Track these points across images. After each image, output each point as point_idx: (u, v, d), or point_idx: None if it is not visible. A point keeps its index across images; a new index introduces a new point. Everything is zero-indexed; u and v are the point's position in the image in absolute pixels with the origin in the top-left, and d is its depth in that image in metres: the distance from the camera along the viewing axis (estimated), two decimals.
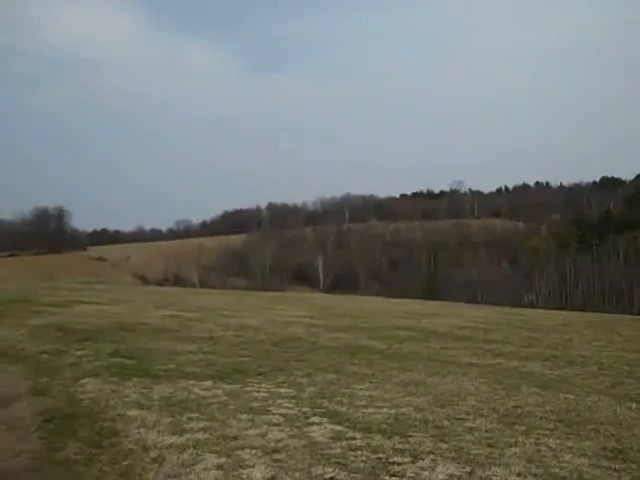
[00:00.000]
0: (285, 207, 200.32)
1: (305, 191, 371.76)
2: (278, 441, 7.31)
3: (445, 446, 7.28)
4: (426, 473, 6.37)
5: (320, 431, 7.82)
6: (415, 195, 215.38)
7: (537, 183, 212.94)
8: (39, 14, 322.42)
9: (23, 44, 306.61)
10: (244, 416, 8.51)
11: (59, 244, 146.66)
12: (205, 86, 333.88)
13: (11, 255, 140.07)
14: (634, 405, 10.49)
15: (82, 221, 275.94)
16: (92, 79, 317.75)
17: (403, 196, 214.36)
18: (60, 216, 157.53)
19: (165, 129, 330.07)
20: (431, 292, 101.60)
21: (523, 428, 8.33)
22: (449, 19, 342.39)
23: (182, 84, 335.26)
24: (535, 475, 6.37)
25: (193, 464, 6.56)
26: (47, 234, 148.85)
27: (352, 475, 6.24)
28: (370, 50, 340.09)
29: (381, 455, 6.84)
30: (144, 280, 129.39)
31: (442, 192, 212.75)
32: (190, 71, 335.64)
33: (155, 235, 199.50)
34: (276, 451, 6.92)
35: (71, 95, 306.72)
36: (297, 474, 6.24)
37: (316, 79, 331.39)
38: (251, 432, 7.69)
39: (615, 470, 6.70)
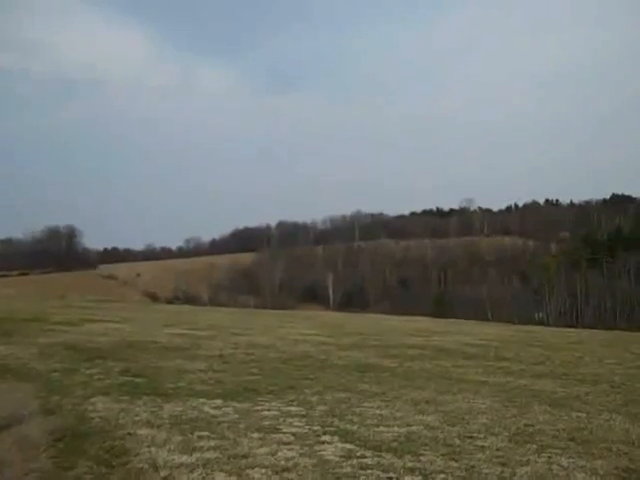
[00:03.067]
0: (295, 225, 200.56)
1: (315, 209, 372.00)
2: (288, 460, 7.28)
3: (456, 465, 7.24)
4: None
5: (331, 450, 7.79)
6: (425, 213, 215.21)
7: (547, 201, 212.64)
8: (49, 36, 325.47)
9: (34, 65, 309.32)
10: (254, 435, 8.49)
11: (70, 263, 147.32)
12: (216, 106, 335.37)
13: (22, 274, 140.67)
14: None
15: (93, 240, 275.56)
16: (102, 100, 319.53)
17: (413, 214, 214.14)
18: (71, 235, 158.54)
19: (175, 148, 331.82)
20: (441, 310, 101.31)
21: (535, 447, 8.27)
22: (458, 41, 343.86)
23: (193, 104, 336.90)
24: None
25: None
26: (58, 253, 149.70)
27: None
28: (380, 72, 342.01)
29: (392, 474, 6.81)
30: (154, 298, 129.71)
31: (452, 210, 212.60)
32: (201, 91, 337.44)
33: (165, 253, 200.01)
34: (286, 470, 6.89)
35: (82, 116, 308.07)
36: None
37: (326, 100, 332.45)
38: (261, 451, 7.67)
39: None
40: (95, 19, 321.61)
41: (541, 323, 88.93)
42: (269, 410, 10.27)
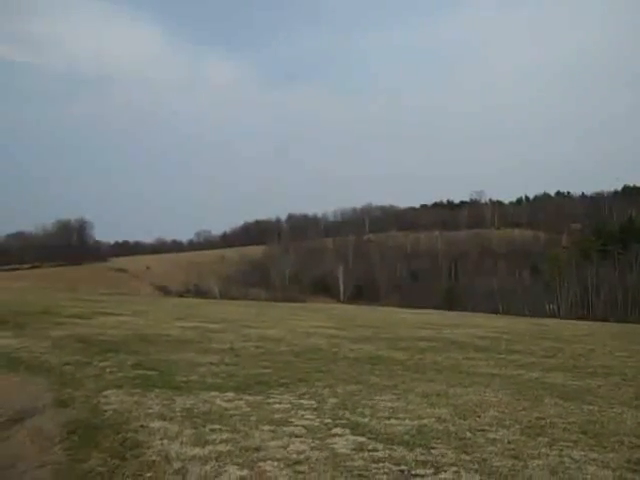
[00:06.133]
0: (305, 218, 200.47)
1: (325, 202, 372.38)
2: (300, 453, 7.29)
3: (468, 458, 7.24)
4: None
5: (342, 442, 7.80)
6: (435, 205, 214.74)
7: (558, 192, 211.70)
8: (57, 30, 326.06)
9: (43, 60, 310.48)
10: (266, 427, 8.51)
11: (81, 256, 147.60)
12: (224, 100, 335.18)
13: (33, 267, 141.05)
14: None
15: (103, 233, 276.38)
16: (111, 94, 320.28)
17: (423, 206, 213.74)
18: (82, 228, 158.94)
19: (185, 141, 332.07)
20: (451, 302, 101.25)
21: (546, 440, 8.26)
22: (463, 35, 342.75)
23: (201, 98, 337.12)
24: None
25: (216, 476, 6.58)
26: (69, 246, 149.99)
27: None
28: (387, 66, 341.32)
29: (404, 467, 6.81)
30: (165, 291, 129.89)
31: (462, 202, 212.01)
32: (209, 85, 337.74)
33: (176, 246, 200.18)
34: (298, 463, 6.90)
35: (91, 110, 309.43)
36: None
37: (335, 93, 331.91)
38: (273, 444, 7.69)
39: None
40: (103, 14, 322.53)
41: (552, 315, 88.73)
42: (280, 403, 10.29)
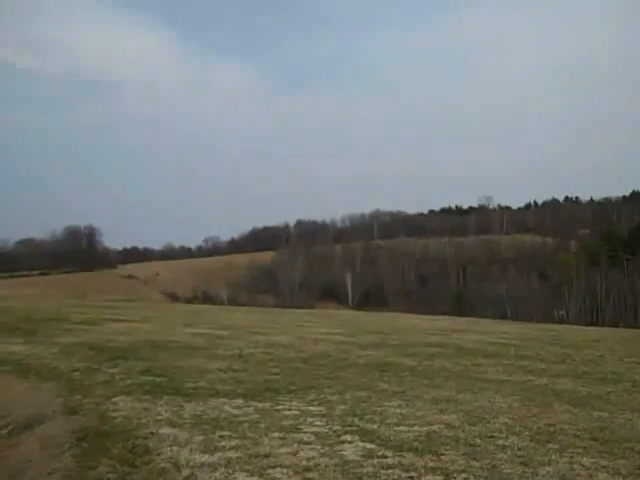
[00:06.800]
0: (313, 224, 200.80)
1: (334, 208, 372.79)
2: (309, 459, 7.27)
3: (477, 464, 7.20)
4: None
5: (351, 449, 7.78)
6: (444, 211, 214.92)
7: (566, 198, 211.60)
8: (66, 36, 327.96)
9: (51, 66, 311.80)
10: (275, 434, 8.50)
11: (90, 262, 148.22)
12: (232, 107, 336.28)
13: (43, 274, 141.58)
14: None
15: (112, 240, 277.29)
16: (119, 101, 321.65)
17: (432, 212, 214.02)
18: (91, 235, 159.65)
19: (193, 149, 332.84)
20: (460, 308, 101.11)
21: (556, 446, 8.22)
22: (468, 37, 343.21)
23: (209, 105, 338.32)
24: None
25: None
26: (78, 253, 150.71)
27: None
28: (393, 68, 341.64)
29: (413, 474, 6.79)
30: (173, 298, 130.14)
31: (471, 208, 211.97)
32: (217, 92, 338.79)
33: (184, 253, 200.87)
34: (308, 470, 6.88)
35: (99, 116, 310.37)
36: None
37: (342, 98, 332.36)
38: (282, 450, 7.67)
39: None
40: (111, 20, 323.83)
41: (561, 321, 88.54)
42: (289, 410, 10.28)
